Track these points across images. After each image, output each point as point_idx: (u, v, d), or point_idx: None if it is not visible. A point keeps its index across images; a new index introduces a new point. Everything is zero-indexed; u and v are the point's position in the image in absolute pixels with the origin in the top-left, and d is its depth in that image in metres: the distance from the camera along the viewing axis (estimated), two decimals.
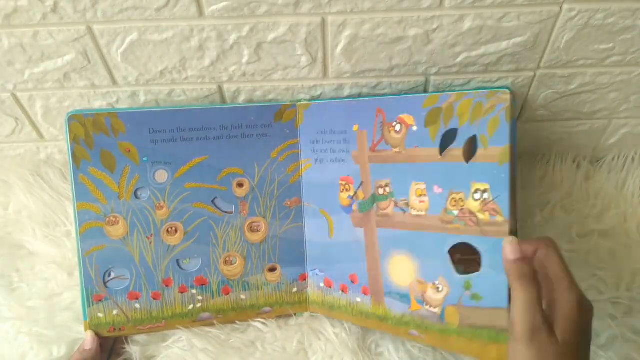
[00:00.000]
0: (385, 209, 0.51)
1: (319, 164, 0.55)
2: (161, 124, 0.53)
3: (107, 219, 0.52)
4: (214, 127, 0.54)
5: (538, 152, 0.65)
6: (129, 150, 0.53)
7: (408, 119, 0.50)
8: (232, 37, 0.50)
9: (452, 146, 0.47)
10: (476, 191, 0.46)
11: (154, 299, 0.54)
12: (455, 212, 0.47)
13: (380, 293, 0.52)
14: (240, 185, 0.55)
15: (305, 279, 0.56)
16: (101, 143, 0.52)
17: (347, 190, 0.53)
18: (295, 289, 0.56)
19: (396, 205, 0.50)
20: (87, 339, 0.52)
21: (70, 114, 0.51)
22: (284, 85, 0.55)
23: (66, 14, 0.47)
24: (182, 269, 0.54)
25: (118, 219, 0.53)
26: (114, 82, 0.55)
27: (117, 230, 0.53)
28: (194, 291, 0.54)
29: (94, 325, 0.53)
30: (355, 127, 0.52)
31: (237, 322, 0.56)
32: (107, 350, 0.54)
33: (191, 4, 0.47)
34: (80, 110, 0.52)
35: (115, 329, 0.53)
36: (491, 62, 0.53)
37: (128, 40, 0.50)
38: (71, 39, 0.50)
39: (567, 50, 0.52)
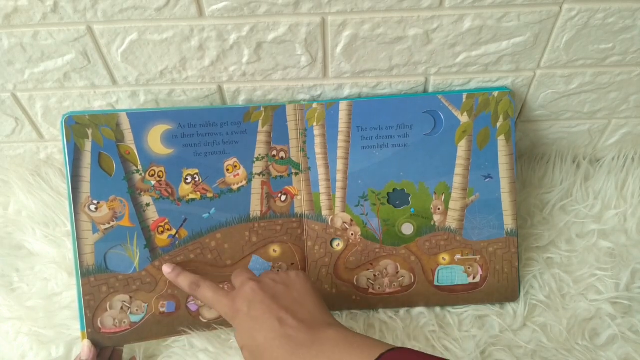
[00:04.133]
0: None
1: None
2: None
3: None
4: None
5: (538, 152, 0.65)
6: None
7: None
8: (232, 37, 0.50)
9: None
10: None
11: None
12: None
13: None
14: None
15: None
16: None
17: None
18: None
19: None
20: (84, 349, 0.51)
21: (66, 116, 0.51)
22: (284, 85, 0.55)
23: (66, 13, 0.47)
24: None
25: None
26: (114, 82, 0.55)
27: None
28: None
29: (91, 336, 0.52)
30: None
31: None
32: (105, 358, 0.53)
33: (191, 4, 0.47)
34: (77, 112, 0.52)
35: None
36: (491, 62, 0.53)
37: (128, 40, 0.50)
38: (71, 38, 0.50)
39: (567, 50, 0.52)
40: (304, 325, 0.41)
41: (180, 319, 0.54)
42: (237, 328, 0.44)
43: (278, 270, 0.49)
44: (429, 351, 0.53)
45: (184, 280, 0.50)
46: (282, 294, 0.44)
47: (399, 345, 0.53)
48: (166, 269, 0.52)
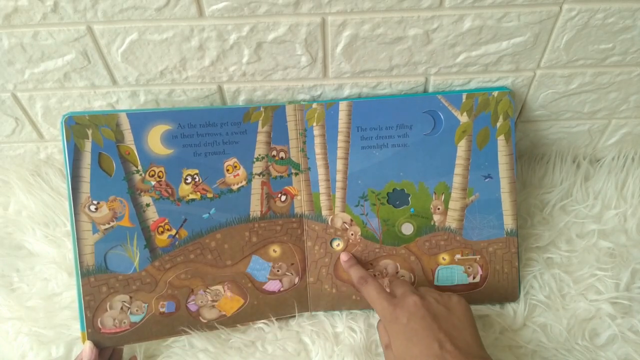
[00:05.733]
0: None
1: None
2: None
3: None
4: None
5: (538, 152, 0.65)
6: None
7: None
8: (232, 37, 0.50)
9: None
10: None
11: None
12: None
13: None
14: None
15: None
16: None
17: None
18: None
19: None
20: (86, 350, 0.51)
21: (66, 116, 0.51)
22: (284, 85, 0.55)
23: (66, 13, 0.47)
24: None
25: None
26: (114, 82, 0.55)
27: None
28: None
29: (91, 336, 0.52)
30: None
31: (238, 325, 0.56)
32: (105, 358, 0.53)
33: (191, 4, 0.47)
34: (76, 112, 0.52)
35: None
36: (491, 62, 0.53)
37: (128, 40, 0.50)
38: (71, 38, 0.50)
39: (567, 50, 0.52)
40: (460, 353, 0.42)
41: (180, 319, 0.54)
42: (391, 334, 0.45)
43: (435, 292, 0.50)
44: None
45: (355, 272, 0.53)
46: (444, 316, 0.45)
47: None
48: (343, 256, 0.55)
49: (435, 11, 0.48)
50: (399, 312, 0.45)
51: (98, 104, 0.57)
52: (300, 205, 0.56)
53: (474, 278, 0.56)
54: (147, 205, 0.53)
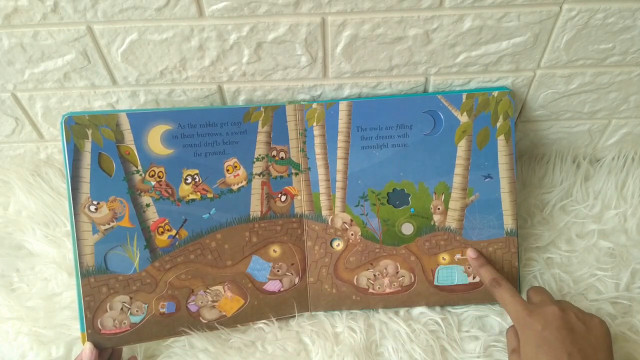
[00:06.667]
0: None
1: None
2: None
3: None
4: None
5: (538, 152, 0.65)
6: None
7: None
8: (232, 37, 0.50)
9: None
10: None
11: None
12: None
13: None
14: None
15: None
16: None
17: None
18: None
19: None
20: (86, 351, 0.51)
21: (65, 116, 0.50)
22: (284, 85, 0.55)
23: (66, 13, 0.47)
24: None
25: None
26: (114, 82, 0.55)
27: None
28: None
29: (91, 337, 0.52)
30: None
31: (239, 325, 0.56)
32: (105, 358, 0.53)
33: (191, 4, 0.47)
34: (76, 112, 0.51)
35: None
36: (491, 62, 0.53)
37: (128, 40, 0.50)
38: (71, 38, 0.50)
39: (567, 50, 0.52)
40: None
41: (180, 320, 0.54)
42: (522, 339, 0.45)
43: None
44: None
45: (486, 273, 0.52)
46: (581, 332, 0.44)
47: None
48: (471, 253, 0.54)
49: (435, 11, 0.48)
50: (534, 318, 0.45)
51: (98, 104, 0.57)
52: (300, 205, 0.56)
53: (474, 278, 0.56)
54: (147, 205, 0.53)
